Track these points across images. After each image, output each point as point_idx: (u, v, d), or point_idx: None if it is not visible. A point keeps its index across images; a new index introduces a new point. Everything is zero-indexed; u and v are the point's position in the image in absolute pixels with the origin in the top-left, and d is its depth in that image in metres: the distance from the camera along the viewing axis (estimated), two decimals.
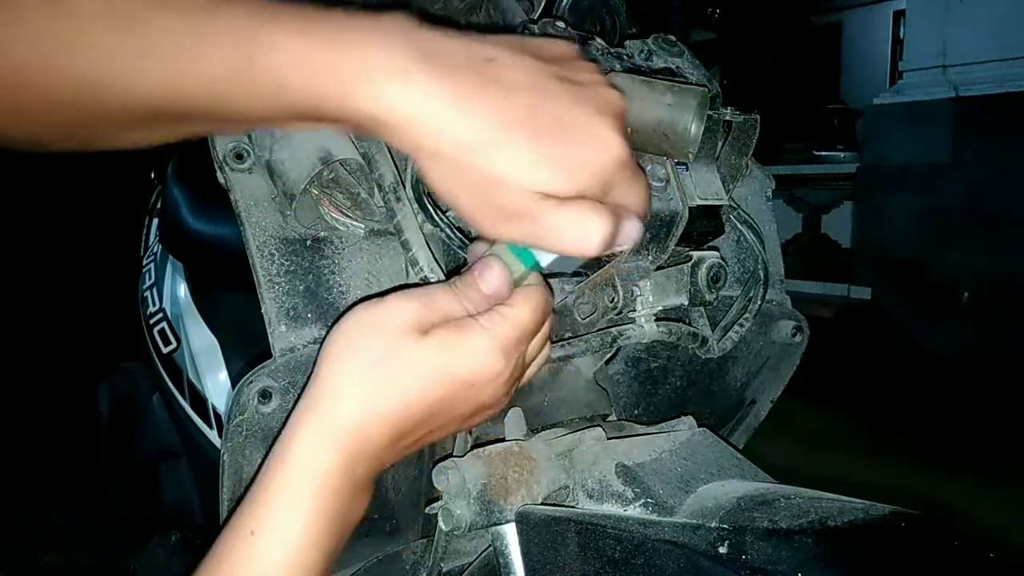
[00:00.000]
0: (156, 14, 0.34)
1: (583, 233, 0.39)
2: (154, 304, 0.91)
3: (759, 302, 0.60)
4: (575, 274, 0.55)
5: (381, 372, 0.40)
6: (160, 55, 0.35)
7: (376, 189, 0.50)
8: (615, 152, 0.39)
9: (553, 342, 0.51)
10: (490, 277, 0.43)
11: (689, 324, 0.58)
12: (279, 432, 0.42)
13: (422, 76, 0.36)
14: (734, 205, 0.59)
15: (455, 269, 0.53)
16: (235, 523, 0.41)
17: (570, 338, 0.53)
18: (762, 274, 0.59)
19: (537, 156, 0.37)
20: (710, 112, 0.48)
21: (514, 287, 0.44)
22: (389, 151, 0.50)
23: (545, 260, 0.43)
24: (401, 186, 0.48)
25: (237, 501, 0.50)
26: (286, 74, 0.35)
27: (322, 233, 0.51)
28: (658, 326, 0.55)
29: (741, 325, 0.60)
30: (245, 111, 0.37)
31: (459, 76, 0.36)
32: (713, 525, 0.42)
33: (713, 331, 0.60)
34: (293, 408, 0.42)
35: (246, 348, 0.75)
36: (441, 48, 0.37)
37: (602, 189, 0.39)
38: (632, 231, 0.41)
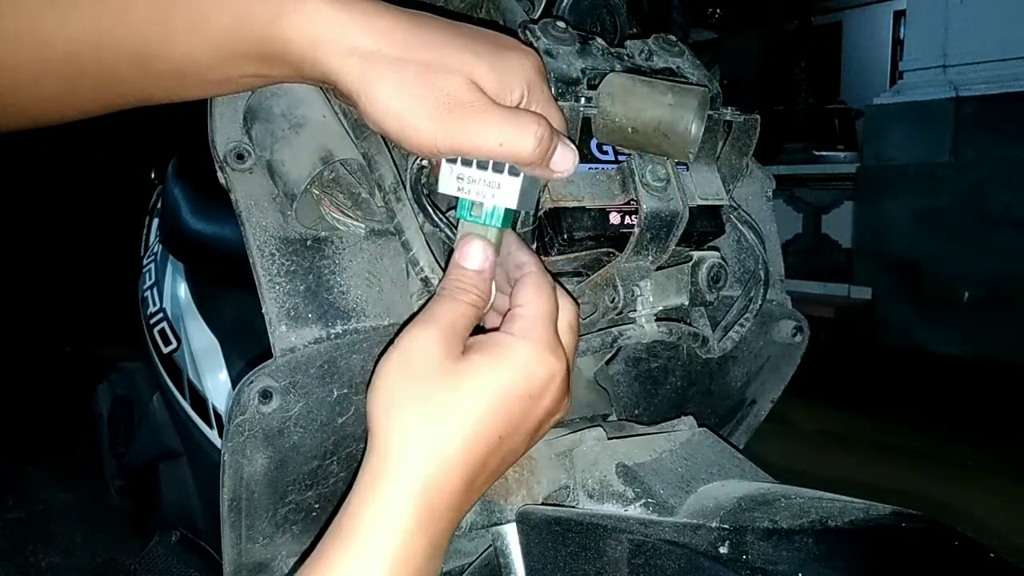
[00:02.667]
0: None
1: (520, 128, 0.40)
2: (154, 304, 0.91)
3: (759, 302, 0.60)
4: (575, 274, 0.55)
5: (435, 416, 0.38)
6: (86, 14, 0.37)
7: (376, 189, 0.50)
8: (534, 59, 0.42)
9: None
10: (469, 253, 0.42)
11: (689, 324, 0.58)
12: (336, 508, 0.39)
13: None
14: (734, 205, 0.59)
15: None
16: None
17: None
18: (762, 274, 0.59)
19: (472, 51, 0.39)
20: (710, 112, 0.48)
21: (496, 251, 0.44)
22: (389, 151, 0.50)
23: (505, 202, 0.42)
24: (401, 186, 0.48)
25: (237, 501, 0.50)
26: (205, 15, 0.38)
27: (323, 233, 0.51)
28: (658, 326, 0.55)
29: (742, 325, 0.60)
30: (167, 62, 0.39)
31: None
32: (713, 525, 0.42)
33: (713, 331, 0.60)
34: (354, 477, 0.40)
35: (246, 348, 0.75)
36: None
37: (524, 95, 0.41)
38: (567, 154, 0.42)
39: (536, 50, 0.48)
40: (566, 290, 0.47)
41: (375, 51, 0.39)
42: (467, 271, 0.42)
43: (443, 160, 0.43)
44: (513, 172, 0.42)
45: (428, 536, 0.38)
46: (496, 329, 0.42)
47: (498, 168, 0.42)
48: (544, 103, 0.43)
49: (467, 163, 0.42)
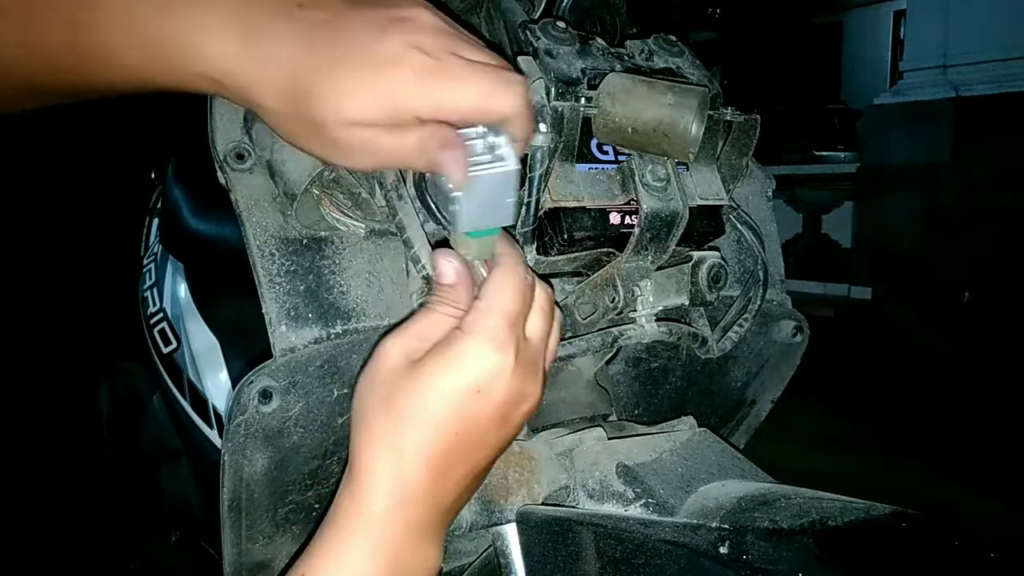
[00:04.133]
0: None
1: (417, 149, 0.40)
2: (154, 304, 0.91)
3: (759, 302, 0.60)
4: (575, 274, 0.55)
5: (388, 417, 0.40)
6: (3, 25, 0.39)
7: (377, 188, 0.50)
8: (417, 64, 0.38)
9: None
10: (442, 268, 0.43)
11: (689, 324, 0.58)
12: (325, 509, 0.43)
13: (233, 37, 0.38)
14: (734, 205, 0.59)
15: None
16: (289, 573, 0.41)
17: (571, 338, 0.53)
18: (762, 274, 0.59)
19: (345, 92, 0.38)
20: (710, 112, 0.48)
21: (476, 259, 0.44)
22: None
23: (467, 217, 0.42)
24: (402, 184, 0.48)
25: (237, 501, 0.50)
26: (111, 44, 0.39)
27: (323, 233, 0.51)
28: (658, 326, 0.55)
29: (741, 325, 0.60)
30: (84, 82, 0.41)
31: (268, 29, 0.39)
32: (714, 525, 0.42)
33: (713, 331, 0.60)
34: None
35: (246, 348, 0.75)
36: (254, 3, 0.39)
37: (421, 99, 0.39)
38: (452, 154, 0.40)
39: (536, 50, 0.48)
40: (547, 281, 0.47)
41: (262, 105, 0.40)
42: (441, 285, 0.43)
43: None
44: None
45: (404, 522, 0.40)
46: None
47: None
48: (447, 87, 0.40)
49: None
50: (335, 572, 0.40)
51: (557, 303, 0.49)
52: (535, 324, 0.44)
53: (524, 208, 0.47)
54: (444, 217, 0.47)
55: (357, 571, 0.40)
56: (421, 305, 0.45)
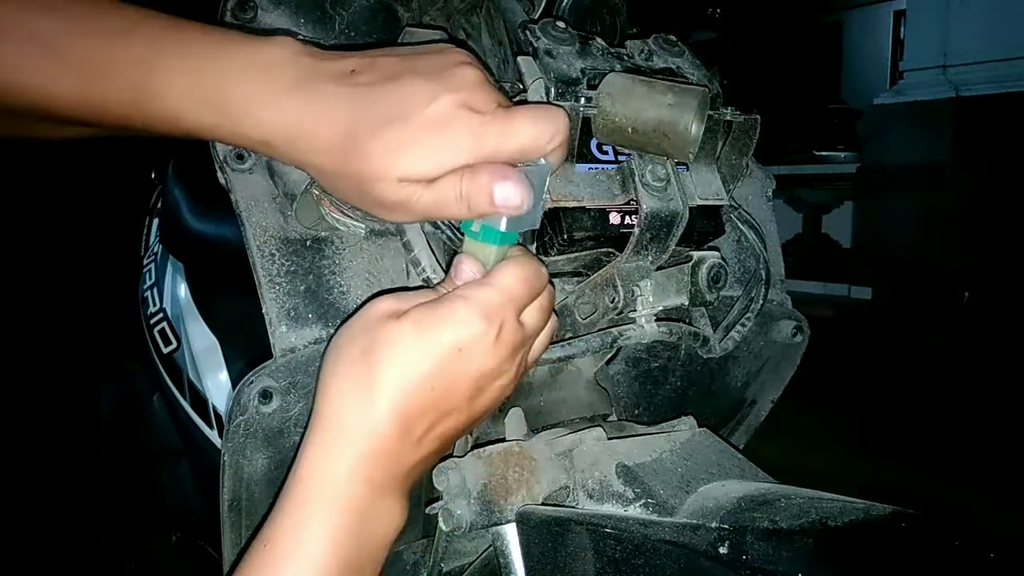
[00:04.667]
0: (71, 40, 0.40)
1: (461, 203, 0.41)
2: (154, 304, 0.91)
3: (760, 302, 0.60)
4: (575, 274, 0.55)
5: (365, 364, 0.40)
6: (72, 80, 0.41)
7: None
8: (469, 121, 0.41)
9: (553, 342, 0.51)
10: (461, 272, 0.44)
11: (690, 324, 0.58)
12: (295, 454, 0.42)
13: (293, 102, 0.41)
14: (735, 205, 0.59)
15: None
16: (254, 540, 0.41)
17: (571, 338, 0.53)
18: (763, 274, 0.59)
19: (400, 150, 0.40)
20: (710, 112, 0.48)
21: (491, 265, 0.44)
22: None
23: (498, 225, 0.43)
24: None
25: (237, 502, 0.50)
26: (179, 108, 0.41)
27: (323, 233, 0.51)
28: (659, 326, 0.55)
29: (743, 325, 0.60)
30: (146, 131, 0.43)
31: (324, 95, 0.41)
32: (713, 525, 0.42)
33: (714, 331, 0.60)
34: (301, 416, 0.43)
35: (247, 348, 0.75)
36: (312, 71, 0.42)
37: (474, 153, 0.41)
38: (512, 187, 0.41)
39: (536, 50, 0.48)
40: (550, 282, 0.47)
41: (315, 164, 0.43)
42: (455, 285, 0.44)
43: None
44: None
45: (366, 479, 0.40)
46: None
47: None
48: (496, 134, 0.42)
49: None
50: (299, 532, 0.39)
51: (555, 310, 0.49)
52: (531, 316, 0.45)
53: None
54: (455, 227, 0.47)
55: (319, 530, 0.39)
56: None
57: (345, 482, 0.40)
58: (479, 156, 0.41)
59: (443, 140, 0.40)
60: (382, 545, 0.42)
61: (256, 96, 0.41)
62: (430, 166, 0.41)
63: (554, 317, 0.48)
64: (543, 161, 0.43)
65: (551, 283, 0.47)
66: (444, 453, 0.46)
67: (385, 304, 0.42)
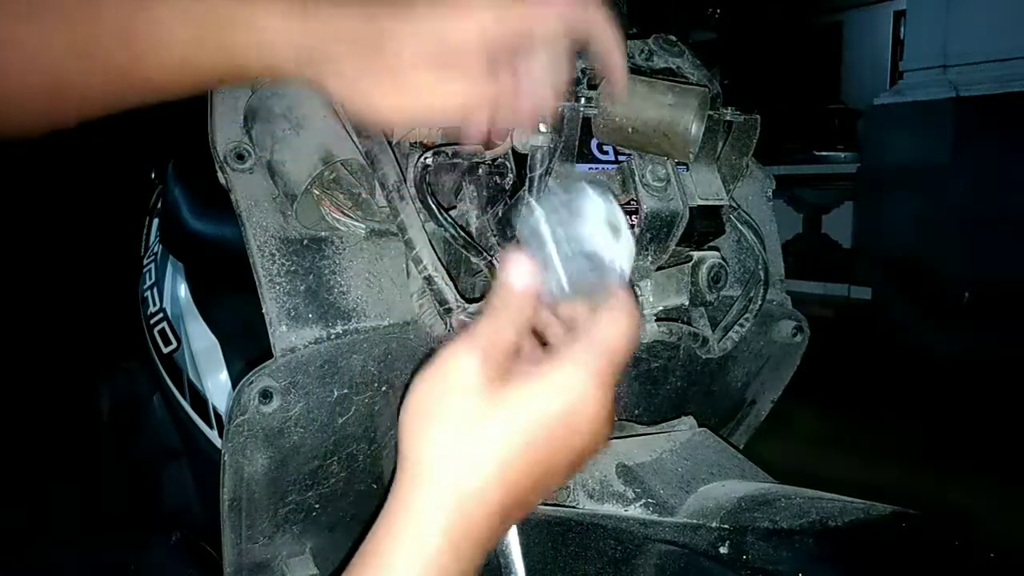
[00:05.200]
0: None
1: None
2: (154, 304, 0.91)
3: (760, 302, 0.60)
4: None
5: (471, 442, 0.36)
6: (165, 37, 0.40)
7: (379, 188, 0.50)
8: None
9: None
10: (515, 272, 0.39)
11: (690, 324, 0.58)
12: (370, 522, 0.38)
13: (296, 12, 0.41)
14: (734, 205, 0.59)
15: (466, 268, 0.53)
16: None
17: None
18: (763, 274, 0.59)
19: (430, 18, 0.40)
20: (710, 112, 0.48)
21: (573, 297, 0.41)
22: (392, 150, 0.50)
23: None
24: (404, 184, 0.48)
25: (237, 501, 0.50)
26: (170, 42, 0.41)
27: (323, 233, 0.51)
28: (659, 326, 0.55)
29: (742, 325, 0.60)
30: (139, 83, 0.42)
31: (327, 7, 0.41)
32: (714, 525, 0.42)
33: (714, 331, 0.60)
34: (388, 489, 0.37)
35: (247, 348, 0.75)
36: None
37: (506, 22, 0.41)
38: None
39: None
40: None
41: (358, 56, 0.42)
42: (510, 290, 0.40)
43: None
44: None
45: (457, 559, 0.36)
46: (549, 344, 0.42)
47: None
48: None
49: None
50: None
51: None
52: (620, 370, 0.41)
53: (524, 208, 0.47)
54: (447, 217, 0.47)
55: None
56: (432, 295, 0.44)
57: (442, 558, 0.36)
58: (514, 17, 0.41)
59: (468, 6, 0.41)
60: None
61: (254, 10, 0.41)
62: (470, 23, 0.41)
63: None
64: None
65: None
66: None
67: (475, 366, 0.37)
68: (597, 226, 0.39)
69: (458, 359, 0.37)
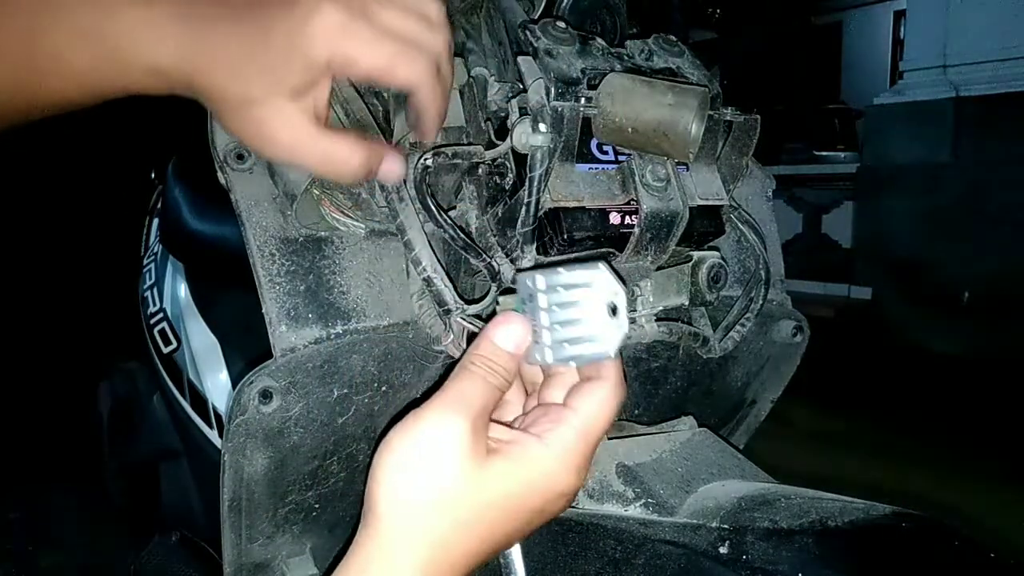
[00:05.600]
0: None
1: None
2: (154, 304, 0.91)
3: (760, 302, 0.60)
4: None
5: (448, 515, 0.37)
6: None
7: (378, 189, 0.50)
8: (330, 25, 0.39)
9: None
10: (509, 333, 0.40)
11: (690, 324, 0.58)
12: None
13: (176, 29, 0.40)
14: (735, 205, 0.59)
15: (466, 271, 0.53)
16: None
17: None
18: (763, 274, 0.59)
19: (249, 73, 0.39)
20: (710, 112, 0.48)
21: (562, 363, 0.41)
22: None
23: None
24: (404, 185, 0.48)
25: (237, 501, 0.50)
26: (67, 53, 0.40)
27: (323, 233, 0.51)
28: (659, 326, 0.55)
29: (742, 325, 0.60)
30: (43, 94, 0.41)
31: (205, 19, 0.40)
32: (714, 525, 0.42)
33: (714, 331, 0.60)
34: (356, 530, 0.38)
35: (246, 348, 0.75)
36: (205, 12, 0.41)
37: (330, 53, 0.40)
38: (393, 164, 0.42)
39: (536, 50, 0.48)
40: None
41: (218, 98, 0.41)
42: (501, 351, 0.41)
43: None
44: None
45: None
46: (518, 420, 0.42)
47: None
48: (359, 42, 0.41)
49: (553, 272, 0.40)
50: None
51: None
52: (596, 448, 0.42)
53: (524, 208, 0.47)
54: (447, 218, 0.47)
55: None
56: (431, 295, 0.44)
57: None
58: (337, 57, 0.40)
59: (303, 40, 0.39)
60: None
61: (137, 23, 0.40)
62: (296, 68, 0.40)
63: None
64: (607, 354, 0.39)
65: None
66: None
67: (458, 435, 0.37)
68: (597, 304, 0.39)
69: (441, 423, 0.38)
